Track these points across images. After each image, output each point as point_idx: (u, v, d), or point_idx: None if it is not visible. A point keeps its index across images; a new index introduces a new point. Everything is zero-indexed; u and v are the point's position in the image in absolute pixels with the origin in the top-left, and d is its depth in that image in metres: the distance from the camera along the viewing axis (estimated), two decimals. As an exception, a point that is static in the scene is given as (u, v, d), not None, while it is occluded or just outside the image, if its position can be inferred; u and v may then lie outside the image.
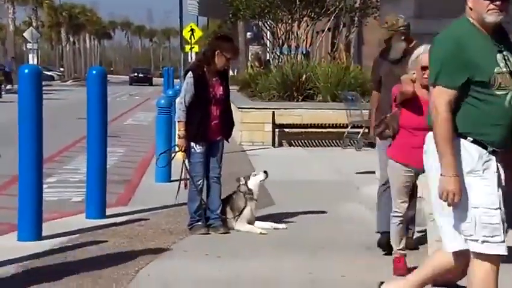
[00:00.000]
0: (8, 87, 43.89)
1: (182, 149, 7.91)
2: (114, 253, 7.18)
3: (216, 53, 7.89)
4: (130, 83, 74.78)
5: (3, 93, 40.15)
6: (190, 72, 7.97)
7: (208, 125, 7.89)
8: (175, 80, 54.05)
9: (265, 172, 8.39)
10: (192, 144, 7.91)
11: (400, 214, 6.32)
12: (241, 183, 8.26)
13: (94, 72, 8.90)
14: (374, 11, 22.57)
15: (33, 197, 7.63)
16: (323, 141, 17.32)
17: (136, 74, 79.77)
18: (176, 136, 8.03)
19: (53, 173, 12.59)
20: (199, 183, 7.99)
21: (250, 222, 8.19)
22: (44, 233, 7.71)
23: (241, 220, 8.15)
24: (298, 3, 22.20)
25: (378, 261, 6.83)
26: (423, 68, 5.91)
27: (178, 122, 7.90)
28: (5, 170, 12.32)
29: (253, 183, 8.27)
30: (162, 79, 61.28)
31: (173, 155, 8.44)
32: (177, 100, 8.09)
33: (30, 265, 6.70)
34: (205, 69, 7.92)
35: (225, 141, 8.21)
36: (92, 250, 7.29)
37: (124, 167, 13.71)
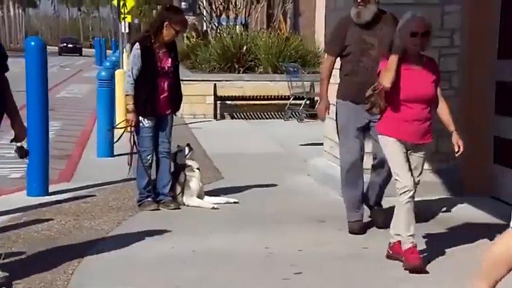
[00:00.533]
0: None
1: (132, 123, 7.74)
2: (61, 232, 7.00)
3: (165, 24, 7.71)
4: (59, 53, 74.00)
5: None
6: (137, 44, 7.76)
7: (157, 98, 7.74)
8: (107, 51, 53.61)
9: (188, 145, 8.29)
10: (141, 118, 7.73)
11: (410, 189, 5.76)
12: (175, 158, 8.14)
13: (33, 43, 8.60)
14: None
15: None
16: (265, 113, 17.33)
17: (65, 44, 79.11)
18: (125, 110, 7.85)
19: (-14, 149, 12.26)
20: (148, 158, 7.84)
21: (199, 196, 8.08)
22: (-18, 212, 7.50)
23: (189, 194, 8.03)
24: (235, -31, 21.90)
25: (332, 235, 6.84)
26: (413, 34, 5.76)
27: (127, 95, 7.73)
28: None
29: (180, 157, 8.15)
30: (93, 50, 61.22)
31: (123, 130, 8.21)
32: (126, 76, 7.88)
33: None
34: (152, 41, 7.74)
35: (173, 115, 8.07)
36: (37, 229, 7.08)
37: (62, 141, 13.39)
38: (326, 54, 7.34)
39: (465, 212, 7.68)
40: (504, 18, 7.92)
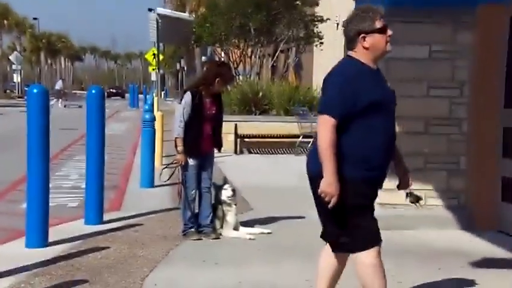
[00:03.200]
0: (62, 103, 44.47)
1: (182, 163, 7.08)
2: (118, 260, 6.32)
3: (217, 80, 7.14)
4: (108, 96, 77.24)
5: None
6: (189, 93, 7.17)
7: (201, 141, 7.12)
8: (139, 95, 53.32)
9: (225, 182, 7.57)
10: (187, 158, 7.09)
11: None
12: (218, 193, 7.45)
13: (94, 91, 8.02)
14: (317, 39, 22.12)
15: (41, 205, 6.76)
16: (277, 149, 16.77)
17: (112, 90, 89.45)
18: (176, 151, 7.17)
19: (47, 180, 11.56)
20: (192, 193, 7.19)
21: (236, 227, 7.39)
22: (48, 240, 6.82)
23: (227, 227, 7.34)
24: (253, 32, 21.68)
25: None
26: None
27: (177, 138, 7.07)
28: (3, 177, 11.37)
29: (224, 196, 7.44)
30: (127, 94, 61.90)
31: (174, 169, 7.51)
32: (175, 120, 7.20)
33: (40, 273, 5.83)
34: (202, 92, 7.13)
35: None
36: (97, 257, 6.41)
37: (109, 173, 12.67)
38: None
39: (474, 245, 6.97)
40: (509, 72, 7.28)
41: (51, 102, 43.42)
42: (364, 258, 4.06)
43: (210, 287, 5.50)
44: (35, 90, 6.74)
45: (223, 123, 7.52)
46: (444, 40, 7.45)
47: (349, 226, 4.10)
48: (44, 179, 6.76)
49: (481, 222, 7.23)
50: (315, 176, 4.14)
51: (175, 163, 7.23)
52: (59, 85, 47.95)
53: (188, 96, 7.11)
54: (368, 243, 4.10)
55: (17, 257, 6.26)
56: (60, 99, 44.79)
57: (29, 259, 6.19)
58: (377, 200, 7.45)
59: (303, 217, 8.32)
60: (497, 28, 7.41)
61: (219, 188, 7.42)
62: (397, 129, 7.50)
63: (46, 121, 6.73)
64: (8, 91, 65.44)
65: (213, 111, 7.18)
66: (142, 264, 6.14)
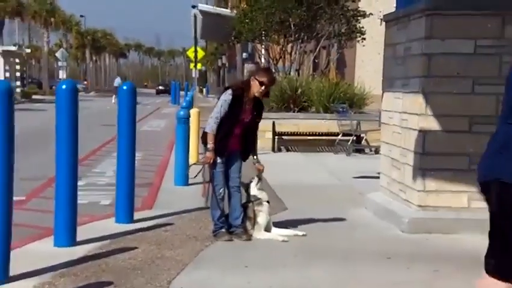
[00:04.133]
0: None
1: (211, 161, 6.82)
2: (145, 261, 6.09)
3: (251, 78, 6.89)
4: (157, 93, 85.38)
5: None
6: (231, 91, 6.89)
7: (229, 139, 6.86)
8: (180, 92, 53.49)
9: (257, 176, 7.23)
10: None
11: None
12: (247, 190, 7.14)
13: (125, 87, 7.81)
14: (359, 35, 21.71)
15: (69, 204, 6.57)
16: (316, 147, 16.37)
17: (160, 88, 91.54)
18: (205, 148, 6.92)
19: (82, 176, 11.40)
20: (220, 191, 6.92)
21: (268, 228, 7.09)
22: (77, 238, 6.64)
23: (258, 228, 7.02)
24: (293, 28, 21.34)
25: (403, 273, 5.77)
26: None
27: (209, 134, 6.82)
28: (41, 172, 11.31)
29: (253, 188, 7.15)
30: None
31: (202, 165, 7.25)
32: (211, 115, 6.92)
33: (66, 274, 5.65)
34: (244, 92, 6.85)
35: None
36: (124, 258, 6.19)
37: (144, 170, 12.53)
38: None
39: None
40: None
41: (112, 99, 43.74)
42: None
43: (238, 292, 5.23)
44: (63, 87, 6.54)
45: (261, 120, 7.20)
46: (492, 34, 7.03)
47: None
48: (72, 176, 6.57)
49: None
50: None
51: (203, 160, 6.98)
52: (117, 82, 48.47)
53: (228, 95, 6.84)
54: None
55: (45, 256, 6.10)
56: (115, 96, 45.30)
57: (56, 258, 6.02)
58: (418, 202, 7.14)
59: (340, 219, 8.00)
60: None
61: (247, 185, 7.14)
62: (439, 127, 7.22)
63: (75, 118, 6.53)
64: (53, 87, 66.45)
65: (248, 119, 6.89)
66: (170, 266, 5.91)
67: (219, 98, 7.01)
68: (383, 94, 8.54)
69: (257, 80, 6.83)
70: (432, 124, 7.15)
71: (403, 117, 7.67)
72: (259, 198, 7.12)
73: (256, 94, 6.88)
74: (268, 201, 7.20)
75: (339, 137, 15.90)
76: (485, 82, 7.08)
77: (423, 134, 7.18)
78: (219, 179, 6.90)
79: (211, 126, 6.80)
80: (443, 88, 7.13)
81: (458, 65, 7.10)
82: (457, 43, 7.08)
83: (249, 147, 7.04)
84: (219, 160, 6.85)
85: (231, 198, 7.03)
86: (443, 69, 7.14)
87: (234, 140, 6.88)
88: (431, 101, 7.14)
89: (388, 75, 8.41)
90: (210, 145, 6.78)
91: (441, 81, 7.14)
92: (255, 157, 7.11)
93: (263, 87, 6.86)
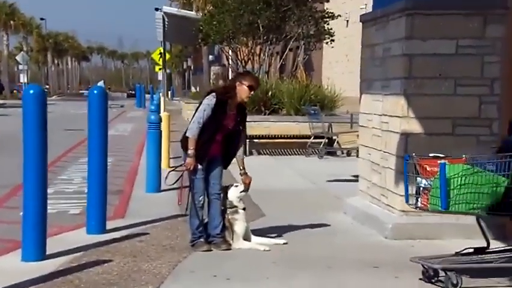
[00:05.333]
0: None
1: (191, 167, 6.54)
2: (121, 275, 5.78)
3: (237, 83, 6.62)
4: (128, 96, 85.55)
5: None
6: (215, 95, 6.61)
7: (210, 145, 6.59)
8: (146, 95, 52.95)
9: (244, 189, 6.91)
10: None
11: None
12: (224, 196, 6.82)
13: (95, 91, 7.54)
14: (327, 37, 21.59)
15: (38, 215, 6.25)
16: (288, 150, 16.20)
17: (130, 92, 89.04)
18: (186, 154, 6.61)
19: (49, 184, 11.02)
20: (200, 199, 6.64)
21: (247, 237, 6.83)
22: (47, 251, 6.30)
23: (236, 238, 6.74)
24: (261, 29, 21.15)
25: (391, 282, 5.56)
26: None
27: (190, 139, 6.51)
28: (5, 181, 10.90)
29: (233, 194, 6.83)
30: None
31: (182, 173, 6.94)
32: (194, 119, 6.61)
33: (37, 291, 5.32)
34: (228, 97, 6.59)
35: None
36: (98, 272, 5.88)
37: (114, 176, 12.15)
38: None
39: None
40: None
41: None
42: None
43: (221, 307, 4.97)
44: (31, 91, 6.24)
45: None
46: (474, 34, 6.89)
47: None
48: (41, 185, 6.25)
49: (512, 231, 6.68)
50: None
51: (183, 166, 6.68)
52: (100, 83, 47.91)
53: (211, 99, 6.55)
54: None
55: (12, 272, 5.77)
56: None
57: (24, 274, 5.68)
58: (400, 207, 6.96)
59: (320, 225, 7.79)
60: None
61: (226, 189, 6.82)
62: (421, 129, 7.04)
63: (44, 124, 6.23)
64: (14, 91, 65.21)
65: (231, 126, 6.63)
66: (147, 280, 5.62)
67: (201, 103, 6.71)
68: (360, 96, 8.35)
69: (244, 84, 6.58)
70: (415, 126, 6.98)
71: (383, 119, 7.49)
72: (235, 206, 6.84)
73: (245, 99, 6.65)
74: (244, 209, 6.92)
75: (311, 139, 15.74)
76: (467, 83, 6.94)
77: (405, 136, 7.00)
78: (198, 187, 6.62)
79: (193, 131, 6.50)
80: (425, 90, 6.96)
81: (439, 66, 6.95)
82: (438, 43, 6.93)
83: (230, 154, 6.78)
84: (199, 167, 6.58)
85: (211, 206, 6.75)
86: (424, 71, 6.97)
87: (215, 146, 6.62)
88: (412, 103, 6.97)
89: (366, 77, 8.23)
90: (191, 151, 6.49)
91: (423, 83, 6.97)
92: (241, 168, 6.83)
93: (252, 92, 6.65)
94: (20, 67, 56.79)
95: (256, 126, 16.16)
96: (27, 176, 6.20)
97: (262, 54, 21.94)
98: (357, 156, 9.12)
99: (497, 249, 5.60)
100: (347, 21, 24.24)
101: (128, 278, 5.70)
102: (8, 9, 68.73)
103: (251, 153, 16.09)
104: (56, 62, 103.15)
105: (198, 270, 5.94)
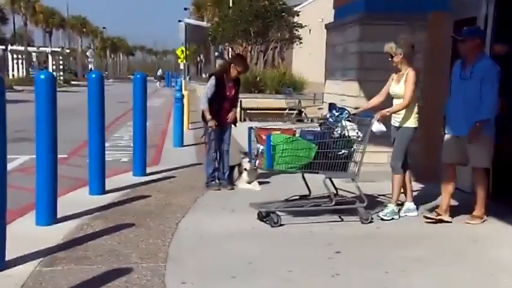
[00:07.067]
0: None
1: (214, 126, 6.11)
2: (157, 207, 5.46)
3: (231, 65, 6.16)
4: (154, 79, 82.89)
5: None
6: (214, 76, 6.20)
7: (221, 114, 6.18)
8: (172, 79, 52.11)
9: (246, 154, 6.36)
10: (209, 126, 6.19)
11: None
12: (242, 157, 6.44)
13: (138, 76, 7.08)
14: (298, 40, 21.01)
15: (99, 161, 5.88)
16: (271, 117, 15.81)
17: (158, 74, 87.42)
18: (206, 120, 6.15)
19: (106, 140, 10.51)
20: (213, 154, 6.27)
21: (250, 182, 6.41)
22: (106, 188, 5.96)
23: (241, 181, 6.40)
24: (252, 34, 20.53)
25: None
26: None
27: (204, 110, 6.11)
28: (76, 137, 10.49)
29: (244, 161, 6.41)
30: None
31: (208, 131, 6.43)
32: (202, 95, 6.24)
33: (99, 217, 5.00)
34: (224, 75, 6.15)
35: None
36: (141, 204, 5.55)
37: (151, 135, 11.70)
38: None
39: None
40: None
41: (157, 84, 42.57)
42: None
43: (229, 231, 4.63)
44: (93, 76, 5.84)
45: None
46: (406, 38, 6.47)
47: None
48: (101, 139, 5.89)
49: (424, 176, 6.36)
50: None
51: (210, 128, 6.19)
52: (159, 72, 47.36)
53: (212, 80, 6.14)
54: None
55: (82, 203, 5.43)
56: (159, 82, 44.87)
57: (91, 204, 5.36)
58: (370, 160, 6.48)
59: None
60: (444, 30, 6.46)
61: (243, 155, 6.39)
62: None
63: (102, 98, 5.82)
64: (85, 76, 64.52)
65: (232, 94, 6.22)
66: (176, 211, 5.29)
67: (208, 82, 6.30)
68: (325, 81, 7.94)
69: (236, 68, 6.12)
70: (364, 103, 6.59)
71: (342, 98, 7.10)
72: (242, 165, 6.44)
73: (233, 76, 6.19)
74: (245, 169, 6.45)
75: (287, 111, 15.37)
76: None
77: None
78: (213, 145, 6.24)
79: (203, 103, 6.11)
80: (372, 77, 6.56)
81: (382, 61, 6.51)
82: (381, 45, 6.46)
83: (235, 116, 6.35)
84: (212, 130, 6.16)
85: (222, 158, 6.36)
86: (371, 63, 6.57)
87: (225, 115, 6.20)
88: (363, 87, 6.60)
89: (329, 67, 7.80)
90: (209, 116, 6.09)
91: (370, 72, 6.57)
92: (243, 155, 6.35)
93: (239, 73, 6.19)
94: (89, 59, 57.01)
95: (249, 101, 15.79)
96: (91, 133, 5.82)
97: (252, 52, 21.36)
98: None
99: (314, 196, 5.19)
100: (310, 30, 23.65)
101: (162, 209, 5.37)
102: (82, 21, 71.24)
103: (245, 120, 15.71)
104: (112, 56, 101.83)
105: (211, 204, 5.61)
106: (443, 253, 4.13)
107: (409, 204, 5.20)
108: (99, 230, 4.56)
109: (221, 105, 6.14)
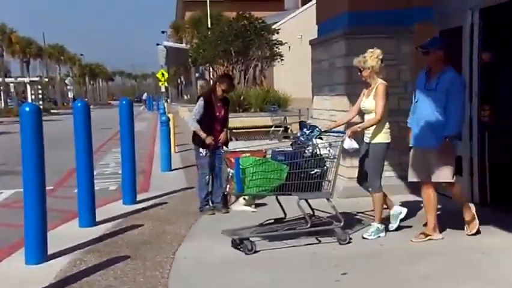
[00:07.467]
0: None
1: (213, 142, 5.96)
2: (152, 236, 5.27)
3: (217, 84, 6.05)
4: (135, 102, 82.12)
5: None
6: (202, 98, 6.09)
7: (213, 136, 6.03)
8: (153, 102, 52.02)
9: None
10: (201, 149, 6.03)
11: None
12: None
13: (124, 102, 6.92)
14: (278, 58, 21.06)
15: (88, 191, 5.67)
16: (256, 136, 15.65)
17: (136, 99, 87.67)
18: (204, 138, 5.98)
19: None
20: (206, 178, 6.11)
21: (249, 205, 6.26)
22: (96, 219, 5.75)
23: (236, 204, 6.26)
24: (233, 54, 20.51)
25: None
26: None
27: (196, 129, 5.98)
28: (61, 167, 10.22)
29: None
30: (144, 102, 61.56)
31: (201, 154, 6.28)
32: (190, 117, 6.11)
33: (92, 251, 4.80)
34: (211, 96, 6.03)
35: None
36: (135, 234, 5.36)
37: (137, 160, 11.52)
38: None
39: (412, 203, 6.00)
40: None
41: (141, 108, 42.52)
42: None
43: (228, 258, 4.47)
44: (79, 104, 5.64)
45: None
46: (392, 50, 6.48)
47: None
48: (89, 168, 5.68)
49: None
50: None
51: (209, 144, 6.01)
52: (145, 96, 47.35)
53: (201, 101, 6.03)
54: None
55: (73, 236, 5.22)
56: (144, 105, 45.48)
57: (82, 237, 5.15)
58: (347, 175, 6.49)
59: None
60: (429, 40, 6.45)
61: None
62: (359, 119, 6.60)
63: (88, 126, 5.64)
64: (64, 104, 64.05)
65: (221, 114, 6.10)
66: (172, 239, 5.11)
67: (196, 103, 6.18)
68: (313, 97, 7.87)
69: (221, 87, 6.02)
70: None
71: (331, 113, 7.03)
72: None
73: (219, 95, 6.07)
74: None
75: (272, 128, 15.27)
76: (389, 85, 6.37)
77: (347, 125, 6.54)
78: (205, 168, 6.09)
79: (193, 123, 5.99)
80: (360, 91, 6.47)
81: (370, 74, 6.49)
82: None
83: (226, 136, 6.24)
84: (205, 153, 6.02)
85: (214, 182, 6.20)
86: (359, 77, 6.47)
87: (216, 135, 6.06)
88: (352, 101, 6.51)
89: (317, 83, 7.74)
90: (203, 135, 5.94)
91: (359, 86, 6.48)
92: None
93: (224, 92, 6.08)
94: (68, 87, 57.05)
95: (233, 120, 15.46)
96: (79, 163, 5.63)
97: (234, 71, 21.30)
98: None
99: (290, 219, 5.00)
100: (289, 46, 23.74)
101: (157, 238, 5.18)
102: (60, 49, 70.82)
103: (231, 140, 15.54)
104: (91, 82, 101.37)
105: (207, 229, 5.44)
106: (455, 268, 4.02)
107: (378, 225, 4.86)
108: (93, 265, 4.35)
109: (212, 127, 6.01)
